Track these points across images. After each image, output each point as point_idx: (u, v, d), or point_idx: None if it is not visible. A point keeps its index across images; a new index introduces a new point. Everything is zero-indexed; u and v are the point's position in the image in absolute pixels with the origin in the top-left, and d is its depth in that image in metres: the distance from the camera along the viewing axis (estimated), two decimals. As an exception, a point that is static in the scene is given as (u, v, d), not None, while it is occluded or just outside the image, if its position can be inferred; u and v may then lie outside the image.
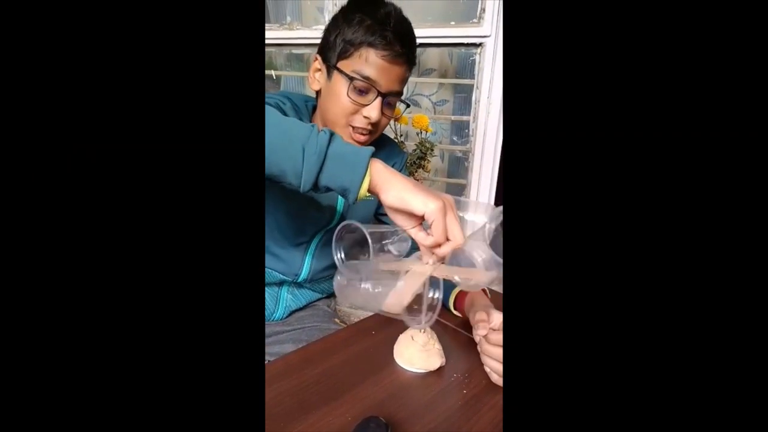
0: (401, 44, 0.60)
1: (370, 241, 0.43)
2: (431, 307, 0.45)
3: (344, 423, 0.41)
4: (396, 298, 0.42)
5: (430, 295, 0.46)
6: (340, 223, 0.46)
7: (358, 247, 0.46)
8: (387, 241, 0.46)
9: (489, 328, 0.48)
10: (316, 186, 0.43)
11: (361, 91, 0.60)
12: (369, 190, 0.44)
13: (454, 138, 1.31)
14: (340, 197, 0.70)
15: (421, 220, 0.45)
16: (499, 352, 0.47)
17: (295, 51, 1.30)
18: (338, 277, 0.47)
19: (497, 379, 0.48)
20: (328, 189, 0.44)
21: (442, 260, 0.47)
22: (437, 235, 0.42)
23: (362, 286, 0.45)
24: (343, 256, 0.47)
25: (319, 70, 0.65)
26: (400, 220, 0.45)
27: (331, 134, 0.44)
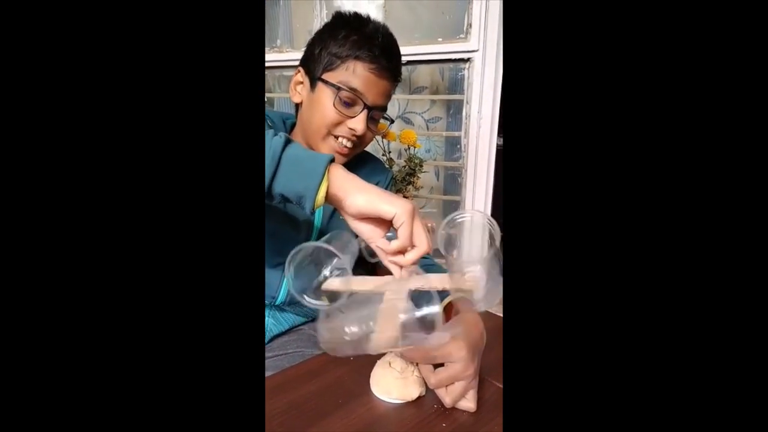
0: (388, 59, 0.59)
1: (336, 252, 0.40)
2: (425, 324, 0.40)
3: (304, 463, 0.37)
4: (384, 336, 0.38)
5: (422, 312, 0.42)
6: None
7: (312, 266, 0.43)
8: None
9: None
10: (269, 194, 0.41)
11: (347, 103, 0.59)
12: (329, 199, 0.41)
13: (450, 155, 1.29)
14: (318, 214, 0.68)
15: (387, 229, 0.42)
16: (427, 372, 0.44)
17: (286, 73, 1.31)
18: (324, 334, 0.43)
19: (449, 402, 0.44)
20: (284, 198, 0.41)
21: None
22: (403, 238, 0.39)
23: (348, 330, 0.41)
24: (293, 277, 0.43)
25: (301, 82, 0.64)
26: (366, 231, 0.42)
27: (287, 139, 0.42)
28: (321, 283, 0.44)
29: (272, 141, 0.41)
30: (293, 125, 0.70)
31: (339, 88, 0.58)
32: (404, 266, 0.43)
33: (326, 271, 0.45)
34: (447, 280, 0.45)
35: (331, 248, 0.40)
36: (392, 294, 0.41)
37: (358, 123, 0.59)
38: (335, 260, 0.40)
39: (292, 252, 0.42)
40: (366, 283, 0.43)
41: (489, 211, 1.13)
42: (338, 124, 0.61)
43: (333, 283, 0.42)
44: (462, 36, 1.05)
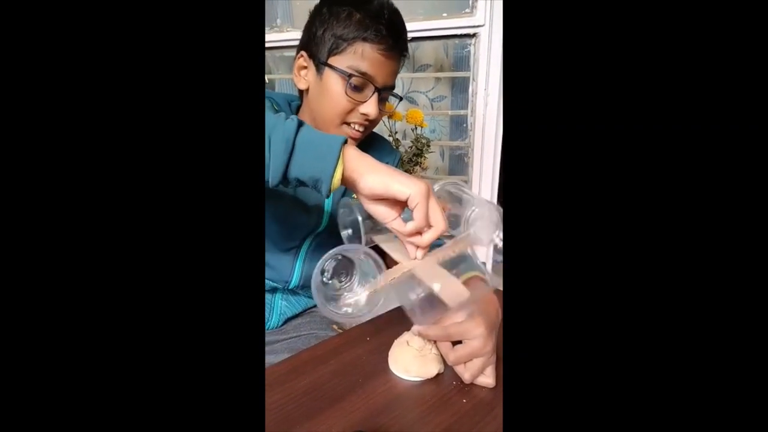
0: (395, 37, 0.57)
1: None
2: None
3: (329, 440, 0.37)
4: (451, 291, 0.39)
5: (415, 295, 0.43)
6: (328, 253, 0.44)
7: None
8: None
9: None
10: (285, 178, 0.40)
11: (357, 88, 0.57)
12: (344, 180, 0.41)
13: (455, 134, 1.27)
14: (329, 198, 0.67)
15: (401, 209, 0.42)
16: (446, 349, 0.46)
17: (287, 53, 1.28)
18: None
19: (468, 378, 0.45)
20: (299, 182, 0.41)
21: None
22: (419, 219, 0.39)
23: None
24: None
25: (305, 67, 0.62)
26: (380, 212, 0.42)
27: (300, 122, 0.41)
28: (342, 294, 0.45)
29: (285, 125, 0.40)
30: (298, 107, 0.68)
31: (350, 75, 0.56)
32: (421, 247, 0.43)
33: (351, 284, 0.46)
34: (455, 243, 0.46)
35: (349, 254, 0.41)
36: (425, 271, 0.42)
37: (370, 107, 0.58)
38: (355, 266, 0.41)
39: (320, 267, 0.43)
40: (387, 278, 0.43)
41: (496, 191, 1.12)
42: (351, 111, 0.59)
43: (359, 298, 0.42)
44: (468, 11, 1.02)
